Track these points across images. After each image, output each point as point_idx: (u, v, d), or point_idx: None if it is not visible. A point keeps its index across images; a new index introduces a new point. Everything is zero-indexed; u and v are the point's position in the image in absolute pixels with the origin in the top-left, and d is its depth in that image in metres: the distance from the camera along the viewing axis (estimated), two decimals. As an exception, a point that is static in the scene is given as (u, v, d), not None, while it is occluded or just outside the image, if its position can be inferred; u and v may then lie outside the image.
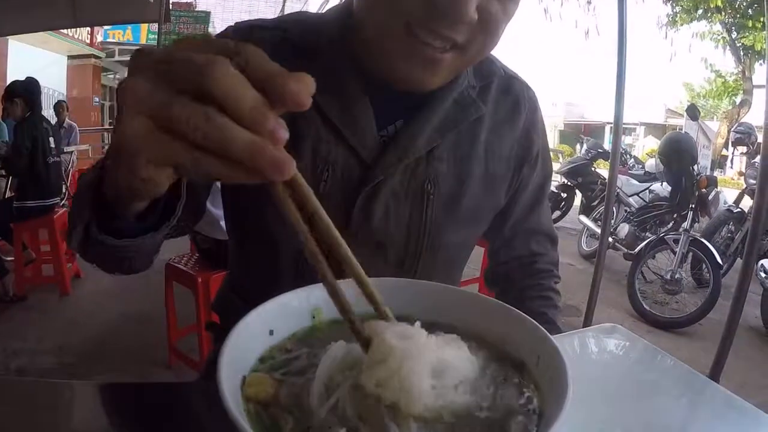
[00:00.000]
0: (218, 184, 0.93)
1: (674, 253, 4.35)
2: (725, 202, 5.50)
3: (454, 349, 0.41)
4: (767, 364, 3.70)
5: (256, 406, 0.40)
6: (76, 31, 14.34)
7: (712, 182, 4.94)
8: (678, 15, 13.32)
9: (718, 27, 13.13)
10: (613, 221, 5.78)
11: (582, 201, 7.00)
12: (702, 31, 13.33)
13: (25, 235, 4.12)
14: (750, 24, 12.12)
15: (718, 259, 4.10)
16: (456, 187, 0.86)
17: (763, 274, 4.07)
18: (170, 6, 8.95)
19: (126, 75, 0.37)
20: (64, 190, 4.87)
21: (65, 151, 6.12)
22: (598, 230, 4.85)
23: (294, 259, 0.83)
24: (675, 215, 5.20)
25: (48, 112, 6.26)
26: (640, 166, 6.57)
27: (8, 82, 10.84)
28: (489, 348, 0.48)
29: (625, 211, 5.71)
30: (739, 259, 4.90)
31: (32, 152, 3.96)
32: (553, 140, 31.22)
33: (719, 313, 3.82)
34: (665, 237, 4.51)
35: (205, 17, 9.72)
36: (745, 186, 5.48)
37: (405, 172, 0.82)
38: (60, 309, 3.80)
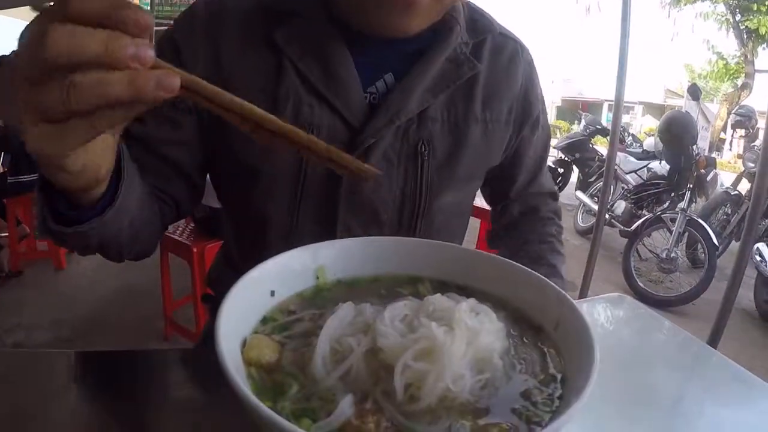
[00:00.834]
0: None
1: (670, 232, 4.34)
2: (722, 185, 5.50)
3: (488, 335, 0.41)
4: (756, 346, 3.71)
5: (258, 370, 0.39)
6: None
7: (711, 163, 4.94)
8: (681, -5, 13.21)
9: (722, 8, 13.00)
10: (610, 198, 5.78)
11: (579, 177, 6.96)
12: (705, 12, 13.20)
13: (19, 210, 4.08)
14: (755, 7, 12.02)
15: (715, 240, 4.10)
16: (452, 148, 0.83)
17: (758, 258, 4.07)
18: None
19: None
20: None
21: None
22: (595, 206, 4.86)
23: (284, 235, 0.81)
24: (672, 194, 5.18)
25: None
26: (638, 144, 6.49)
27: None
28: (509, 310, 0.48)
29: (623, 188, 5.69)
30: (734, 241, 4.92)
31: (26, 126, 3.92)
32: (550, 116, 31.08)
33: (713, 293, 3.85)
34: (662, 215, 4.50)
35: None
36: (743, 169, 5.46)
37: (396, 135, 0.79)
38: (55, 283, 3.79)
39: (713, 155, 6.96)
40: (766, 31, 12.23)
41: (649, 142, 6.21)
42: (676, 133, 4.86)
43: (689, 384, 0.71)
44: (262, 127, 0.39)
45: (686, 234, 4.40)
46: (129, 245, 0.71)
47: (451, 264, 0.52)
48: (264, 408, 0.30)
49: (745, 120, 5.66)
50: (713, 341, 2.70)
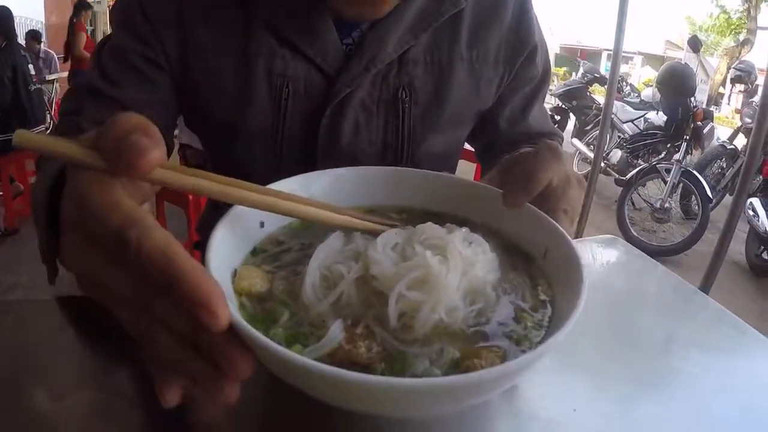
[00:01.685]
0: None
1: (665, 182, 4.36)
2: (719, 138, 5.50)
3: (482, 265, 0.41)
4: (747, 297, 3.78)
5: (250, 300, 0.39)
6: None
7: (708, 116, 4.92)
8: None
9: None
10: (606, 146, 5.78)
11: (575, 125, 6.91)
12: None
13: (12, 168, 4.06)
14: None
15: (709, 193, 4.13)
16: (436, 93, 0.78)
17: (750, 212, 4.13)
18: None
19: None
20: (48, 119, 4.81)
21: (47, 79, 6.04)
22: (591, 154, 4.87)
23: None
24: (668, 145, 5.19)
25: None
26: (636, 94, 6.50)
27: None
28: (499, 238, 0.48)
29: (619, 137, 5.68)
30: (728, 195, 4.96)
31: (14, 81, 3.92)
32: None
33: (705, 245, 3.90)
34: (657, 165, 4.51)
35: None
36: (740, 124, 5.45)
37: (375, 82, 0.75)
38: (52, 240, 3.78)
39: (711, 109, 6.95)
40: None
41: (647, 93, 6.18)
42: (675, 84, 4.83)
43: (679, 327, 0.71)
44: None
45: (681, 185, 4.42)
46: None
47: (444, 193, 0.52)
48: (257, 334, 0.30)
49: (744, 75, 5.62)
50: (704, 290, 2.74)
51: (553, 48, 31.72)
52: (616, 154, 5.52)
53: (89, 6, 3.96)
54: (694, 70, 6.62)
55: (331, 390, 0.32)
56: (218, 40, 0.73)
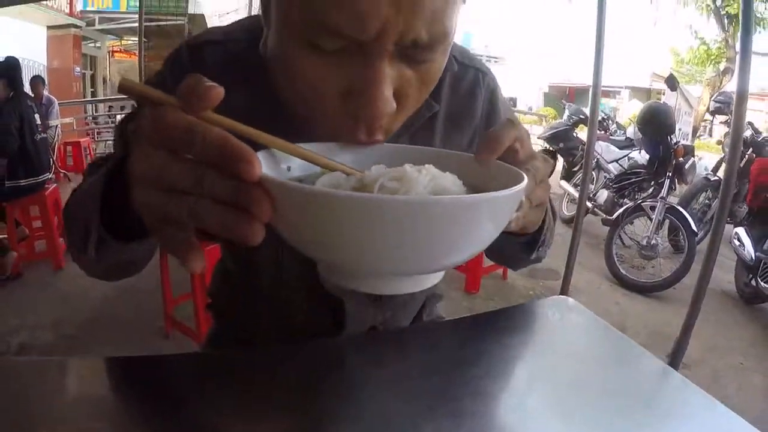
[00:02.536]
0: None
1: (651, 219, 4.47)
2: (706, 168, 5.63)
3: (448, 181, 0.49)
4: (737, 327, 3.84)
5: None
6: (55, 0, 14.10)
7: (689, 151, 5.03)
8: (663, -21, 13.33)
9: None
10: (593, 187, 5.90)
11: (564, 166, 7.06)
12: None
13: (17, 213, 4.19)
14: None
15: (693, 227, 4.22)
16: None
17: (736, 242, 4.23)
18: (151, -26, 8.91)
19: (137, 140, 0.44)
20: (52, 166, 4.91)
21: (49, 126, 6.12)
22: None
23: (274, 278, 0.86)
24: (652, 183, 5.30)
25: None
26: (622, 131, 6.63)
27: (-12, 54, 10.60)
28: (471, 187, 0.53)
29: (605, 177, 5.80)
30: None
31: (20, 130, 4.01)
32: (538, 102, 31.27)
33: (694, 278, 3.97)
34: (642, 204, 4.62)
35: (183, -16, 9.64)
36: (723, 154, 5.59)
37: None
38: (55, 283, 3.88)
39: (700, 138, 7.08)
40: (744, 16, 12.37)
41: (633, 129, 6.34)
42: (655, 124, 4.98)
43: (620, 383, 0.71)
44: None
45: (667, 221, 4.52)
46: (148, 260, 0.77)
47: (431, 158, 0.55)
48: (277, 179, 0.41)
49: (724, 106, 5.76)
50: (689, 323, 2.84)
51: (542, 87, 32.21)
52: (603, 195, 5.63)
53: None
54: (678, 105, 6.79)
55: (336, 215, 0.40)
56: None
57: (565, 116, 7.21)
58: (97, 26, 17.92)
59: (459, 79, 0.86)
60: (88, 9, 16.97)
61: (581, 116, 6.73)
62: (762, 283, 3.96)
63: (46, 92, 7.59)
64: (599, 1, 3.61)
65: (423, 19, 0.51)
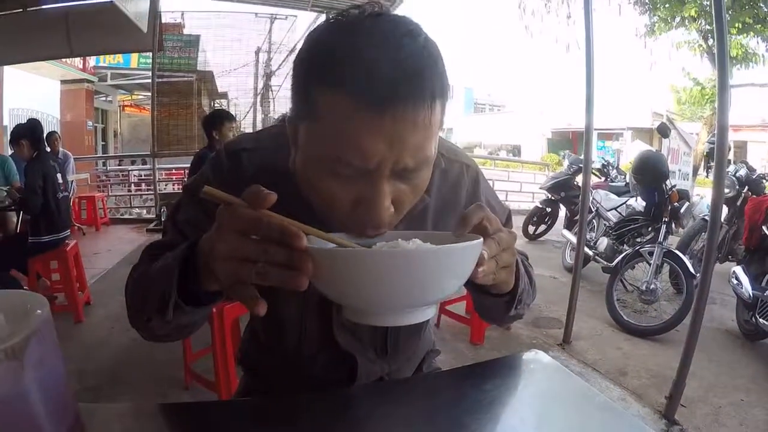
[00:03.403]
0: None
1: (650, 264, 4.54)
2: (708, 206, 5.74)
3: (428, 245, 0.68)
4: (738, 365, 3.88)
5: None
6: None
7: (684, 195, 5.15)
8: (656, 24, 13.60)
9: (694, 35, 13.41)
10: (593, 235, 6.02)
11: (566, 215, 7.25)
12: (679, 41, 13.64)
13: (39, 267, 4.38)
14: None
15: (691, 269, 4.28)
16: None
17: (734, 281, 4.29)
18: (162, 34, 9.28)
19: (217, 227, 0.65)
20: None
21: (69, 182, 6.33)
22: (582, 243, 5.10)
23: (296, 339, 1.03)
24: (650, 228, 5.40)
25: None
26: (623, 177, 6.71)
27: (4, 106, 11.00)
28: None
29: (605, 225, 5.90)
30: (717, 264, 5.17)
31: (44, 189, 4.17)
32: (541, 149, 31.62)
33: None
34: (640, 250, 4.72)
35: (194, 41, 10.02)
36: (718, 195, 5.69)
37: None
38: (75, 336, 3.99)
39: (699, 175, 7.20)
40: (737, 53, 12.61)
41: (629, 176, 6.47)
42: (649, 172, 5.11)
43: (578, 423, 0.85)
44: None
45: (667, 264, 4.59)
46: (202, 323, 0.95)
47: (418, 235, 0.75)
48: (316, 247, 0.63)
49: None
50: (684, 364, 2.94)
51: (545, 133, 32.59)
52: (603, 242, 5.70)
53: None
54: (676, 146, 6.93)
55: (353, 266, 0.61)
56: None
57: (565, 166, 7.41)
58: (109, 81, 18.51)
59: (446, 173, 1.03)
60: (100, 64, 17.50)
61: (580, 165, 6.88)
62: (761, 320, 4.02)
63: (61, 148, 7.89)
64: (587, 58, 3.84)
65: (409, 153, 0.71)
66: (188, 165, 8.66)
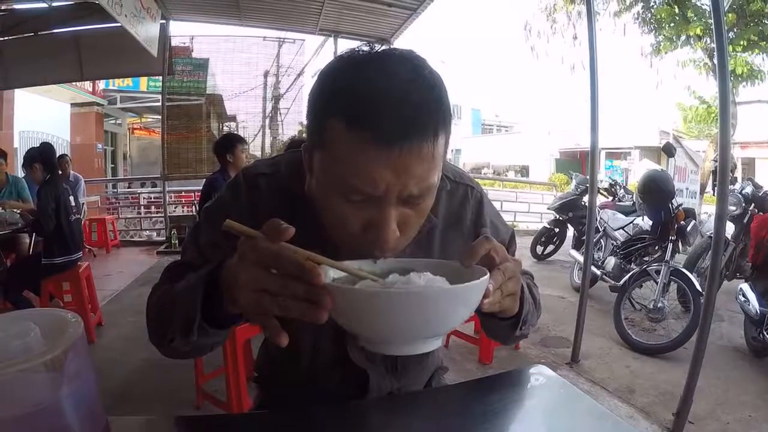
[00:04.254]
0: None
1: (657, 283, 4.55)
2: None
3: (438, 281, 0.73)
4: (746, 382, 3.88)
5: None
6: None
7: (690, 214, 5.17)
8: (661, 43, 13.63)
9: (700, 54, 13.42)
10: (601, 254, 6.03)
11: (574, 234, 7.25)
12: (684, 60, 13.64)
13: (51, 288, 4.44)
14: (730, 49, 12.42)
15: (698, 287, 4.28)
16: None
17: (741, 298, 4.30)
18: (172, 58, 9.42)
19: (239, 258, 0.69)
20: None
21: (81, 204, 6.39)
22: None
23: (311, 359, 1.08)
24: (657, 247, 5.39)
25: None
26: (630, 196, 6.69)
27: (15, 129, 11.17)
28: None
29: (612, 244, 5.91)
30: (725, 281, 5.17)
31: (56, 212, 4.24)
32: (549, 169, 31.63)
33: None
34: (647, 269, 4.73)
35: (204, 64, 10.14)
36: (728, 211, 5.69)
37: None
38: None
39: (708, 192, 7.17)
40: (742, 71, 12.62)
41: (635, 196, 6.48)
42: (655, 191, 5.13)
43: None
44: None
45: (674, 283, 4.59)
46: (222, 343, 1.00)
47: (429, 265, 0.81)
48: (334, 284, 0.69)
49: (722, 167, 5.92)
50: (691, 382, 2.95)
51: (553, 153, 32.64)
52: (611, 262, 5.70)
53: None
54: (683, 164, 6.93)
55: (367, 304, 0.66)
56: None
57: (572, 186, 7.44)
58: (119, 105, 18.71)
59: (452, 195, 1.11)
60: (110, 88, 17.73)
61: (587, 185, 6.90)
62: (769, 337, 4.02)
63: (71, 169, 7.98)
64: (591, 79, 3.90)
65: (414, 182, 0.78)
66: (197, 188, 8.78)
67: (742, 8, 11.83)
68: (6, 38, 8.24)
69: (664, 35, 13.45)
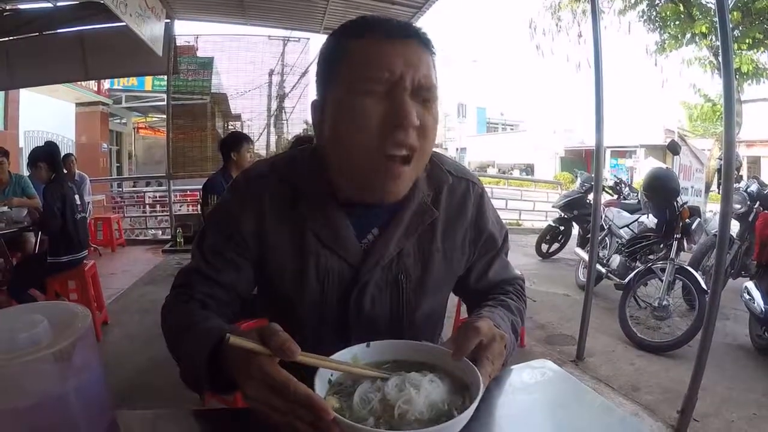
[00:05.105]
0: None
1: (662, 281, 4.55)
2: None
3: (436, 395, 0.79)
4: (751, 380, 3.87)
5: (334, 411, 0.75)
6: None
7: (695, 212, 5.16)
8: (666, 41, 13.59)
9: (705, 52, 13.38)
10: (606, 252, 6.02)
11: (579, 233, 7.26)
12: (689, 58, 13.60)
13: (57, 286, 4.44)
14: (735, 47, 12.38)
15: (703, 285, 4.26)
16: (422, 274, 1.12)
17: (746, 296, 4.32)
18: (177, 57, 9.43)
19: (247, 375, 0.74)
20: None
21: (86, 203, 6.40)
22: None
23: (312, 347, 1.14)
24: (662, 245, 5.40)
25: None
26: (635, 194, 6.71)
27: (20, 128, 11.22)
28: (449, 376, 0.85)
29: (617, 242, 5.91)
30: (730, 279, 5.16)
31: (62, 211, 4.25)
32: (554, 167, 31.61)
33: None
34: (653, 267, 4.73)
35: (208, 63, 10.14)
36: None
37: (383, 270, 1.09)
38: (93, 355, 4.03)
39: (713, 190, 7.12)
40: (747, 69, 12.58)
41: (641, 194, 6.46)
42: (659, 189, 5.14)
43: (581, 424, 0.93)
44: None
45: (679, 281, 4.59)
46: None
47: (422, 351, 0.90)
48: (343, 419, 0.70)
49: (728, 166, 5.91)
50: (695, 380, 2.95)
51: (558, 152, 32.59)
52: (616, 259, 5.71)
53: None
54: (688, 162, 6.91)
55: None
56: (283, 243, 1.08)
57: (577, 184, 7.46)
58: (124, 104, 18.76)
59: (453, 189, 1.18)
60: (115, 87, 17.78)
61: (592, 183, 6.89)
62: (774, 335, 4.00)
63: (76, 169, 7.97)
64: (596, 77, 3.89)
65: (420, 73, 0.95)
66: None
67: (747, 6, 11.80)
68: (11, 38, 8.27)
69: (669, 33, 13.42)
